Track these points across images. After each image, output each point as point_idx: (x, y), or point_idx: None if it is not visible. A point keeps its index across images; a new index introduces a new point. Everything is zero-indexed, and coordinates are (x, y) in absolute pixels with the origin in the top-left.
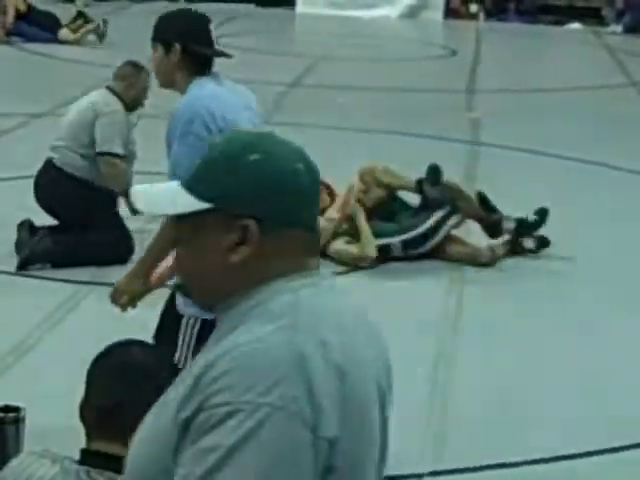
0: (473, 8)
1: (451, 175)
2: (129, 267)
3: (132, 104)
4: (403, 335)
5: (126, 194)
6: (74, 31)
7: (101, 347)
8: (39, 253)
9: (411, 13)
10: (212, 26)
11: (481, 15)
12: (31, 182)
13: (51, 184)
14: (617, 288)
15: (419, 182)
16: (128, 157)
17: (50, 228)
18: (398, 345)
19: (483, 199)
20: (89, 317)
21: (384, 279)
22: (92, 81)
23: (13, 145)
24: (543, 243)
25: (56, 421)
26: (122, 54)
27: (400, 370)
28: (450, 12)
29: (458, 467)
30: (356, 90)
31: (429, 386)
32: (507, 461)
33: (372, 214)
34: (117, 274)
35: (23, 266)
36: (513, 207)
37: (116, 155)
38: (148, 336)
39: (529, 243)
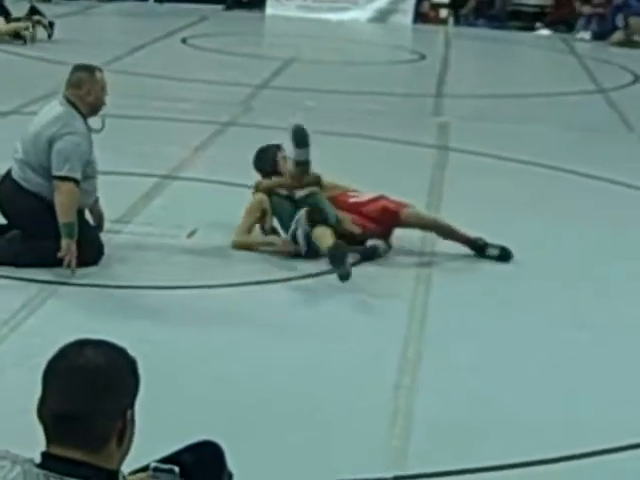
0: (442, 13)
1: (418, 179)
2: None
3: (93, 109)
4: (367, 339)
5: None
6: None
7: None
8: (8, 255)
9: (381, 17)
10: None
11: (450, 20)
12: None
13: (9, 196)
14: (583, 288)
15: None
16: (91, 174)
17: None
18: (362, 349)
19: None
20: (53, 316)
21: (347, 283)
22: (57, 81)
23: None
24: None
25: (18, 421)
26: (88, 53)
27: (364, 375)
28: (419, 17)
29: (424, 472)
30: (325, 93)
31: (393, 391)
32: (474, 466)
33: None
34: (81, 274)
35: None
36: (479, 212)
37: (73, 179)
38: (112, 335)
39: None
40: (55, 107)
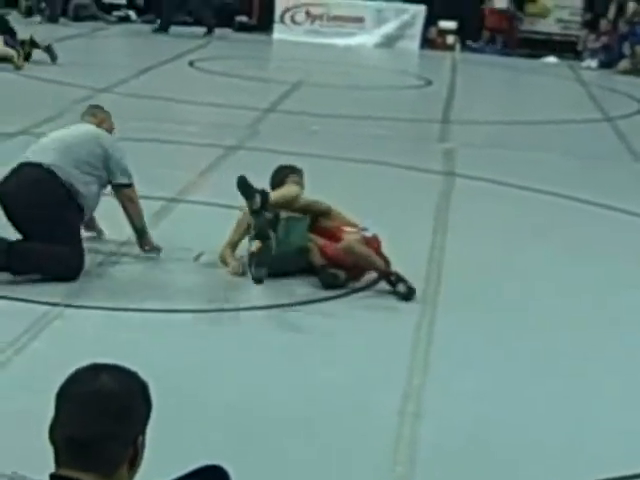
0: (450, 39)
1: (423, 205)
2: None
3: None
4: (372, 366)
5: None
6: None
7: (70, 370)
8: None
9: (388, 42)
10: None
11: (457, 46)
12: None
13: (33, 183)
14: (592, 316)
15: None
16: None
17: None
18: (366, 376)
19: None
20: (59, 339)
21: (353, 309)
22: (65, 102)
23: None
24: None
25: (24, 444)
26: (95, 75)
27: (368, 402)
28: (427, 42)
29: None
30: (331, 118)
31: (398, 418)
32: None
33: None
34: (86, 297)
35: None
36: (484, 238)
37: (132, 185)
38: (118, 358)
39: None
40: (86, 125)
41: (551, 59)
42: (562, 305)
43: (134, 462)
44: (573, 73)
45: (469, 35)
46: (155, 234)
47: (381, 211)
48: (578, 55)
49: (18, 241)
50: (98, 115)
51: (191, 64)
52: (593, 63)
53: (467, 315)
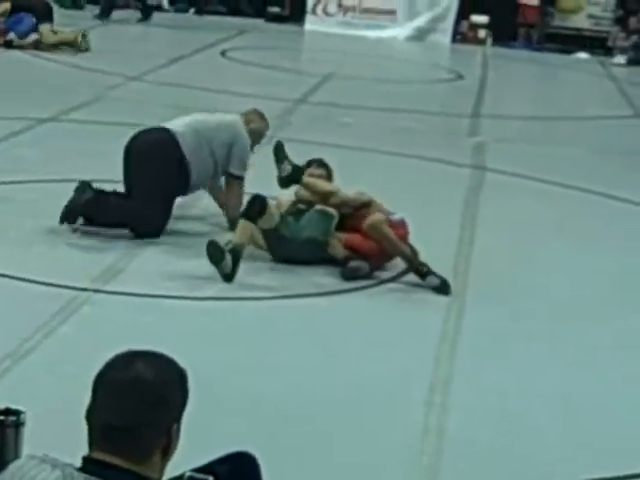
0: (481, 33)
1: (452, 199)
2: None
3: (252, 137)
4: (399, 357)
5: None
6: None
7: (98, 355)
8: (80, 204)
9: (419, 36)
10: None
11: (489, 40)
12: (38, 186)
13: (157, 147)
14: (616, 318)
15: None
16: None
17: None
18: (394, 367)
19: None
20: (87, 324)
21: (382, 300)
22: (96, 89)
23: (19, 150)
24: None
25: (53, 427)
26: (127, 63)
27: (395, 393)
28: (458, 36)
29: None
30: (361, 110)
31: (425, 409)
32: None
33: None
34: (115, 283)
35: (65, 218)
36: (512, 232)
37: (242, 178)
38: (145, 345)
39: None
40: (231, 116)
41: (582, 55)
42: (588, 298)
43: (167, 450)
44: (604, 69)
45: (501, 30)
46: (188, 224)
47: (410, 203)
48: (609, 51)
49: (104, 192)
50: (249, 115)
51: (223, 54)
52: (622, 59)
53: (494, 309)
